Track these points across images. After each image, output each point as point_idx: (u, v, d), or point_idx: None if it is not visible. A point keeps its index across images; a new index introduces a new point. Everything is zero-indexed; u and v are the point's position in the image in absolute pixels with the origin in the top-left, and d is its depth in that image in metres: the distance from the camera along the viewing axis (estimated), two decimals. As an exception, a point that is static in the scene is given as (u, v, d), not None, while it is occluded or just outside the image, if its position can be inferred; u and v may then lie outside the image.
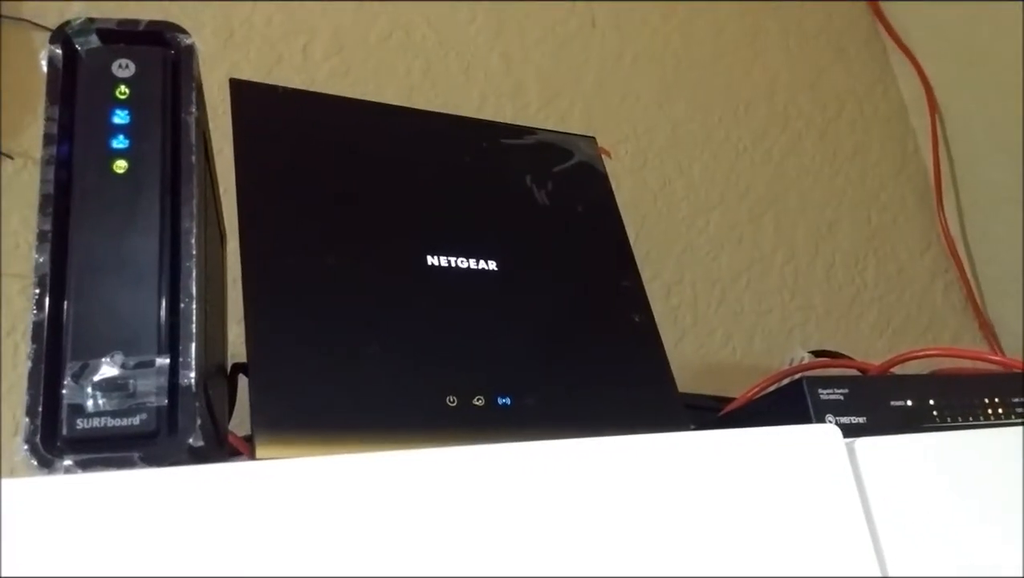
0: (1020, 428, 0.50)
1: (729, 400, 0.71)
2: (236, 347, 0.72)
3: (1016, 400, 0.56)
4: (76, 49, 0.42)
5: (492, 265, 0.53)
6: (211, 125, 0.56)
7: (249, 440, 0.53)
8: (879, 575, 0.43)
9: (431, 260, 0.51)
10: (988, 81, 1.14)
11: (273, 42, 0.91)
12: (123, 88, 0.41)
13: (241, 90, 0.52)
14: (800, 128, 1.19)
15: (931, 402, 0.52)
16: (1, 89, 0.77)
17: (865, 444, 0.46)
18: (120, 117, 0.41)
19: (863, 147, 1.22)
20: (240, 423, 0.66)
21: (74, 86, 0.41)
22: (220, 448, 0.53)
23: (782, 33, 1.23)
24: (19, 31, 0.79)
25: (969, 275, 1.18)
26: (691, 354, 0.99)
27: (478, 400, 0.47)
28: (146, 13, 0.44)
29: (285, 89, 0.55)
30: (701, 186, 1.09)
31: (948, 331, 1.15)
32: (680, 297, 1.02)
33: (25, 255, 0.75)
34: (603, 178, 0.62)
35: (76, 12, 0.42)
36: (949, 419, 0.52)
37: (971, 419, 0.53)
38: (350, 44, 0.94)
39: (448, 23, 1.00)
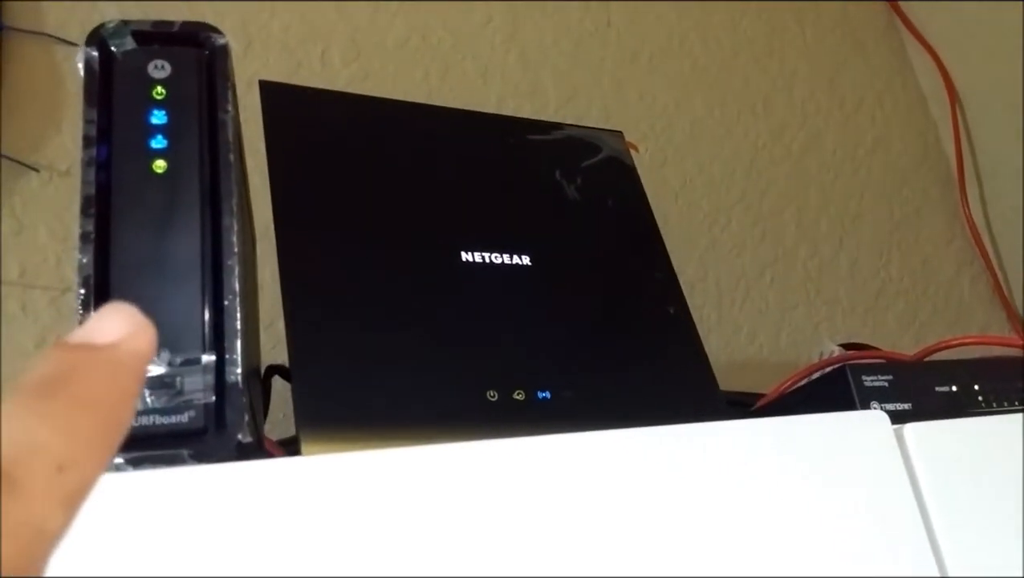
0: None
1: (761, 397, 0.70)
2: (264, 353, 0.72)
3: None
4: (111, 51, 0.42)
5: (526, 260, 0.52)
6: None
7: (284, 444, 0.52)
8: (934, 561, 0.42)
9: (465, 256, 0.51)
10: (1008, 69, 1.13)
11: (292, 49, 0.91)
12: (159, 89, 0.41)
13: (270, 91, 0.52)
14: (819, 123, 1.18)
15: (976, 387, 0.52)
16: (20, 101, 0.77)
17: (914, 430, 0.45)
18: (158, 117, 0.41)
19: (883, 140, 1.21)
20: (272, 428, 0.66)
21: (111, 88, 0.41)
22: (259, 450, 0.53)
23: (799, 28, 1.23)
24: (40, 44, 0.80)
25: (996, 266, 1.16)
26: (717, 352, 0.98)
27: (518, 394, 0.47)
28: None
29: (314, 90, 0.55)
30: (721, 183, 1.08)
31: (976, 323, 1.14)
32: (704, 295, 1.01)
33: (52, 268, 0.75)
34: (632, 172, 0.62)
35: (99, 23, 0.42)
36: (995, 404, 0.52)
37: (1017, 403, 0.52)
38: (367, 49, 0.94)
39: (464, 26, 1.00)
